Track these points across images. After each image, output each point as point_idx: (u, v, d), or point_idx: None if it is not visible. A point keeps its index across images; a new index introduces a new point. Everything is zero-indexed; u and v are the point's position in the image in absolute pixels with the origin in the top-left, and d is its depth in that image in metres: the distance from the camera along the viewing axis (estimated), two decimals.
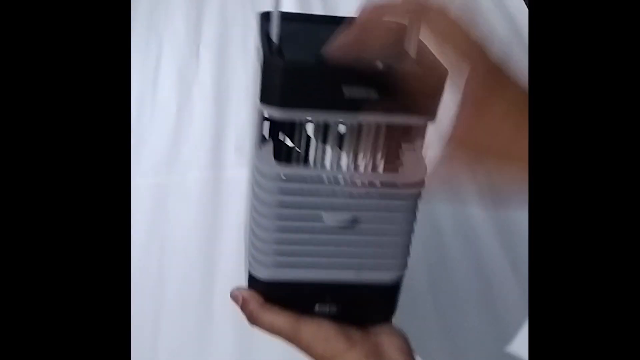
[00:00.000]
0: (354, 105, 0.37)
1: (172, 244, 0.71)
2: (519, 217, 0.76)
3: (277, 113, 0.37)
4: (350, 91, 0.37)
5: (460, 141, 0.37)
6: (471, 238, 0.75)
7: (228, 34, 0.95)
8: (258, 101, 0.38)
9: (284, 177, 0.40)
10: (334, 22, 0.40)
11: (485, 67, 0.36)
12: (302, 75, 0.36)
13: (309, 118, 0.39)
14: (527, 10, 1.04)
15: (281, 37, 0.38)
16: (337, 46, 0.38)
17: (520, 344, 0.66)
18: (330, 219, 0.40)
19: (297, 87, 0.37)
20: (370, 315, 0.44)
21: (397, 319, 0.46)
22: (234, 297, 0.44)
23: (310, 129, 0.42)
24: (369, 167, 0.42)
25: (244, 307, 0.44)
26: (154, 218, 0.73)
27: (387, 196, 0.40)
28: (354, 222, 0.41)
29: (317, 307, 0.43)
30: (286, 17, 0.39)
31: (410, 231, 0.43)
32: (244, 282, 0.46)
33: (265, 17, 0.42)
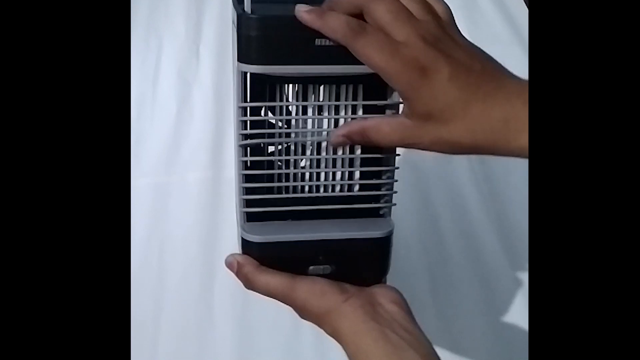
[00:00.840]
0: (328, 57, 0.38)
1: (172, 243, 0.71)
2: (519, 215, 0.76)
3: (255, 69, 0.39)
4: (323, 42, 0.38)
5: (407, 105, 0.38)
6: (471, 237, 0.75)
7: (228, 34, 0.95)
8: (237, 63, 0.40)
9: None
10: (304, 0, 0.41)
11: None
12: (276, 27, 0.38)
13: (287, 72, 0.40)
14: (527, 10, 1.04)
15: (253, 9, 0.40)
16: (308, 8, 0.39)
17: (520, 345, 0.66)
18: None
19: (271, 39, 0.38)
20: (363, 274, 0.45)
21: None
22: (228, 263, 0.44)
23: (290, 92, 0.43)
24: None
25: (239, 271, 0.44)
26: (154, 218, 0.73)
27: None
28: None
29: (311, 269, 0.44)
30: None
31: (392, 177, 0.45)
32: None
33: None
